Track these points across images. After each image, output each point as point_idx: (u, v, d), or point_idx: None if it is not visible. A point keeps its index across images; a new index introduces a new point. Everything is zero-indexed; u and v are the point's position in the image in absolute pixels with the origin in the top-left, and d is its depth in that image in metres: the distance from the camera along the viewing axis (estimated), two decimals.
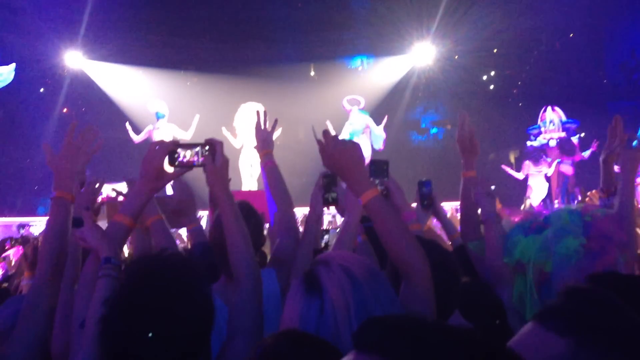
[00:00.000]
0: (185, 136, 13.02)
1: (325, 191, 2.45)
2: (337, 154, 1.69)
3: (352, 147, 1.71)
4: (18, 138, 15.29)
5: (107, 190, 2.89)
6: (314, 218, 2.48)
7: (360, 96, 14.33)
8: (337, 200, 2.45)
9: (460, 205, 2.71)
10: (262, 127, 2.69)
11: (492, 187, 2.59)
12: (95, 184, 2.43)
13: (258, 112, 2.69)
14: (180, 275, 1.39)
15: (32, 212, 12.45)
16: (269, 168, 2.58)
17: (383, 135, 13.72)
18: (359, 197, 1.67)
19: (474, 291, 2.26)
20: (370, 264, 1.39)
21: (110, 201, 2.85)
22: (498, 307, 2.18)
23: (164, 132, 12.97)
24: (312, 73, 17.45)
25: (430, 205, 3.22)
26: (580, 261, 1.84)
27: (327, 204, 2.47)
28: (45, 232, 2.10)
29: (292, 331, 1.21)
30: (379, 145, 13.74)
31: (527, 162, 13.06)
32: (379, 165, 2.47)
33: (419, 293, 1.58)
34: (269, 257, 2.75)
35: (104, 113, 15.65)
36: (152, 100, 13.71)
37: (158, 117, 13.13)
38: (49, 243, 2.02)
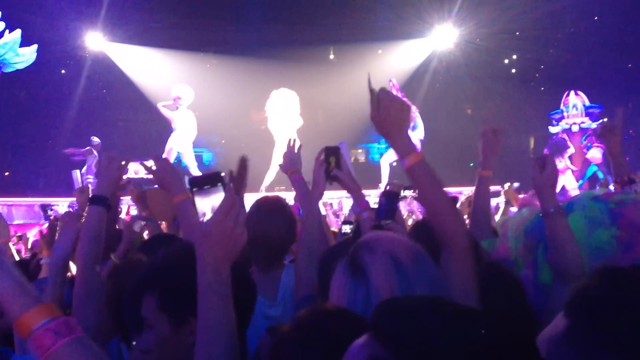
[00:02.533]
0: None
1: (330, 166, 2.38)
2: (389, 111, 1.63)
3: (405, 109, 1.66)
4: (40, 119, 15.50)
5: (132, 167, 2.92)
6: (317, 197, 2.42)
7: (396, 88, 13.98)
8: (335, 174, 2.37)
9: (474, 203, 2.66)
10: (291, 150, 2.80)
11: (516, 184, 2.52)
12: (121, 161, 2.37)
13: (290, 140, 2.82)
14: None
15: (54, 193, 12.62)
16: (298, 183, 2.70)
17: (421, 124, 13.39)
18: (404, 160, 1.62)
19: (490, 272, 2.20)
20: (415, 246, 1.37)
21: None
22: (514, 287, 2.11)
23: (182, 121, 12.97)
24: (332, 56, 17.37)
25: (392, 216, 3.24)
26: (612, 254, 1.80)
27: (332, 179, 2.40)
28: (83, 235, 2.16)
29: (328, 305, 1.26)
30: (421, 134, 13.37)
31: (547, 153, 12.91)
32: (331, 149, 2.44)
33: (460, 264, 1.56)
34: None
35: (124, 95, 15.79)
36: (176, 86, 13.67)
37: (179, 104, 13.17)
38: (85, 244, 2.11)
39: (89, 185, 9.39)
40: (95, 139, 13.59)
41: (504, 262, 2.31)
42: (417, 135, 12.97)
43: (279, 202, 2.60)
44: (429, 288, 1.28)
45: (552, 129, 13.53)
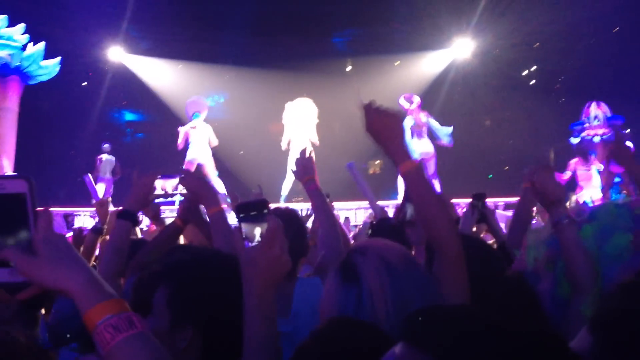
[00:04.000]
0: (215, 142, 13.00)
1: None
2: (380, 122, 1.72)
3: (395, 117, 1.74)
4: (62, 130, 15.77)
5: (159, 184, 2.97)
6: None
7: (415, 95, 13.86)
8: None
9: (516, 213, 2.70)
10: (303, 157, 2.83)
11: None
12: (149, 179, 2.45)
13: (303, 150, 2.88)
14: None
15: (76, 203, 12.80)
16: (312, 192, 2.72)
17: (449, 129, 13.19)
18: (398, 166, 1.68)
19: (509, 283, 2.22)
20: (405, 250, 1.41)
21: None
22: (532, 299, 2.11)
23: (200, 133, 13.03)
24: (349, 68, 17.43)
25: (483, 219, 3.27)
26: (630, 259, 1.79)
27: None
28: (107, 247, 2.24)
29: (344, 317, 1.27)
30: (448, 139, 13.10)
31: (574, 160, 12.76)
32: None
33: (451, 270, 1.58)
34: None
35: (144, 106, 16.02)
36: (190, 100, 13.70)
37: (194, 117, 13.20)
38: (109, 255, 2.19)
39: (109, 198, 9.51)
40: (106, 146, 13.81)
41: (523, 274, 2.33)
42: (426, 145, 12.85)
43: (288, 213, 2.59)
44: (420, 291, 1.31)
45: (573, 140, 13.41)
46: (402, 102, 13.35)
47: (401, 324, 0.82)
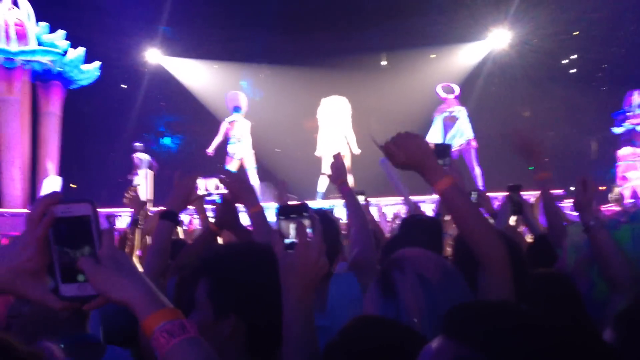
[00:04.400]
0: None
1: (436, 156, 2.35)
2: (403, 150, 1.70)
3: (416, 139, 1.72)
4: (102, 132, 16.18)
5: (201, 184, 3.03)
6: None
7: (454, 84, 13.68)
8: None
9: (544, 212, 2.67)
10: (338, 161, 2.93)
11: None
12: (191, 179, 2.51)
13: (337, 154, 2.99)
14: None
15: (117, 203, 13.11)
16: (346, 193, 2.81)
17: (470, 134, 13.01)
18: (434, 186, 1.66)
19: (549, 281, 2.22)
20: (444, 263, 1.44)
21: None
22: (574, 298, 2.11)
23: (240, 128, 13.18)
24: (384, 62, 17.33)
25: (519, 212, 3.25)
26: None
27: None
28: (150, 247, 2.31)
29: (373, 316, 1.30)
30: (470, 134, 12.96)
31: (625, 149, 12.42)
32: (442, 149, 2.40)
33: (498, 283, 1.58)
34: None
35: (182, 107, 16.28)
36: (230, 92, 13.92)
37: (235, 110, 13.38)
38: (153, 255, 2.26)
39: (138, 187, 9.71)
40: (139, 144, 14.09)
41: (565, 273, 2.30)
42: (462, 136, 12.70)
43: (322, 215, 2.65)
44: (456, 302, 1.31)
45: (616, 130, 13.07)
46: (440, 91, 13.20)
47: (443, 318, 0.83)
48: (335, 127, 13.21)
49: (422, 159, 1.69)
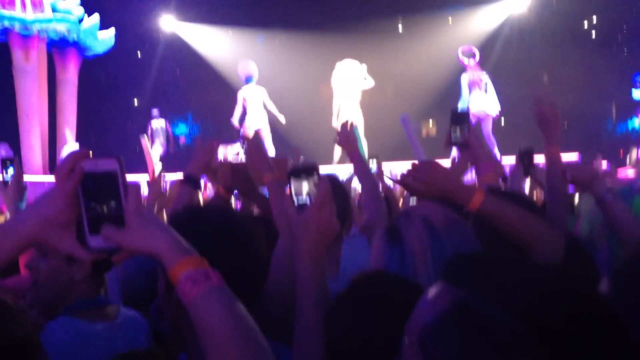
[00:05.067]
0: (271, 105, 13.11)
1: (452, 123, 2.22)
2: (422, 181, 1.66)
3: (432, 166, 1.68)
4: (118, 100, 16.26)
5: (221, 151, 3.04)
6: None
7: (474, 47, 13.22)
8: (464, 141, 2.24)
9: (546, 186, 2.54)
10: (345, 129, 2.96)
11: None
12: (212, 143, 2.56)
13: (345, 123, 3.02)
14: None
15: (133, 170, 13.25)
16: (356, 160, 2.83)
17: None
18: (468, 208, 1.61)
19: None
20: (451, 214, 1.48)
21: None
22: (588, 261, 2.12)
23: (255, 98, 13.13)
24: (400, 29, 17.09)
25: (530, 173, 3.28)
26: None
27: (463, 147, 2.30)
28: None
29: (381, 272, 1.36)
30: (495, 110, 12.34)
31: None
32: (459, 115, 2.26)
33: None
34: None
35: (197, 75, 16.26)
36: (241, 63, 13.82)
37: (248, 81, 13.32)
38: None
39: (163, 174, 9.77)
40: (155, 110, 14.20)
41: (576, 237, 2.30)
42: (489, 104, 12.38)
43: (330, 179, 2.63)
44: (462, 250, 1.35)
45: (636, 92, 12.84)
46: (461, 55, 12.88)
47: (443, 267, 0.87)
48: (350, 93, 13.10)
49: (444, 186, 1.65)
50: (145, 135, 12.64)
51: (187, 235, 1.05)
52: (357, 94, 13.11)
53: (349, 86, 13.12)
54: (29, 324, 1.28)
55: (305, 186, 1.40)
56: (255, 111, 12.92)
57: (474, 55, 12.66)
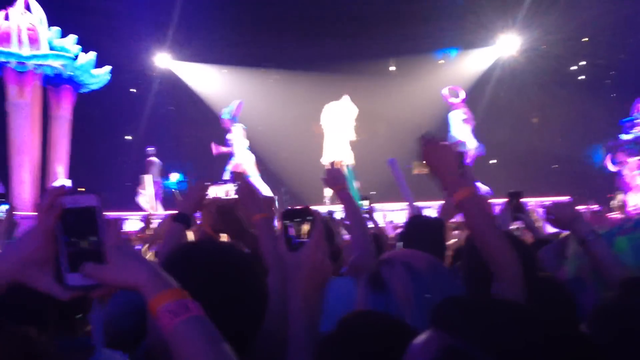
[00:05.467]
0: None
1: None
2: (436, 153, 1.76)
3: (447, 150, 1.77)
4: (112, 137, 16.32)
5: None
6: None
7: (459, 87, 13.57)
8: None
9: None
10: (333, 168, 2.92)
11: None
12: (203, 184, 2.59)
13: (332, 163, 2.92)
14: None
15: (125, 207, 13.20)
16: (345, 199, 2.77)
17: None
18: (452, 196, 1.70)
19: (545, 286, 2.22)
20: (431, 257, 1.50)
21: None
22: (568, 303, 2.09)
23: (240, 136, 13.21)
24: (393, 68, 17.38)
25: (519, 218, 3.34)
26: None
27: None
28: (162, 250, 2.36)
29: (369, 312, 1.36)
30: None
31: (624, 156, 12.40)
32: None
33: (511, 291, 1.61)
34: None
35: (191, 112, 16.40)
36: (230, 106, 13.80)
37: (236, 120, 13.39)
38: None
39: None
40: (151, 149, 14.19)
41: (565, 282, 2.33)
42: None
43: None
44: (445, 293, 1.32)
45: (624, 137, 13.04)
46: (446, 92, 13.20)
47: (430, 313, 0.87)
48: (340, 132, 13.20)
49: (449, 167, 1.73)
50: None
51: (190, 273, 1.04)
52: (347, 132, 13.20)
53: (339, 124, 13.23)
54: None
55: (299, 227, 1.41)
56: (242, 149, 13.00)
57: (458, 95, 13.07)
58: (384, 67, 17.33)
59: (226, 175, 12.57)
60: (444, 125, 13.28)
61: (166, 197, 13.99)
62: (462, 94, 13.25)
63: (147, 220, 6.66)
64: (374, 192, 10.01)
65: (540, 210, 6.31)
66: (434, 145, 1.77)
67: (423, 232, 2.87)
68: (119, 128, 16.54)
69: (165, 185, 14.64)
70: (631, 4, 13.83)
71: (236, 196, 2.42)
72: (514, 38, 15.37)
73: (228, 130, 13.14)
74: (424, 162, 1.78)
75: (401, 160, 5.13)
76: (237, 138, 13.08)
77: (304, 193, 14.31)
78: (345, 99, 13.49)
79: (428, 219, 3.32)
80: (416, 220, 3.19)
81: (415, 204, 4.66)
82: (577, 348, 0.77)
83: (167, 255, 1.43)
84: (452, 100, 13.10)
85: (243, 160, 12.98)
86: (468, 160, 12.13)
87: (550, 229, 3.44)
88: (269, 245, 2.09)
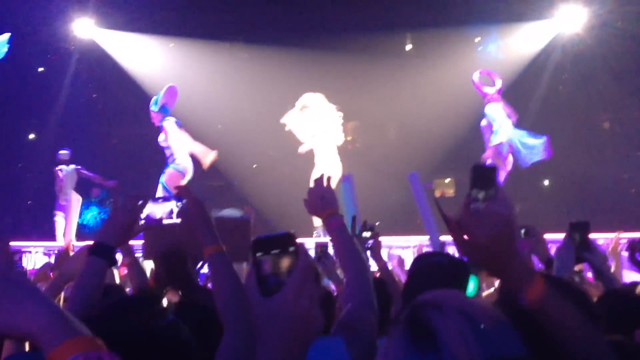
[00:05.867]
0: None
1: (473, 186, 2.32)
2: (479, 224, 1.65)
3: (505, 222, 1.66)
4: (8, 134, 16.14)
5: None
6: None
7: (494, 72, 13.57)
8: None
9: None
10: (320, 187, 2.87)
11: None
12: (135, 202, 2.56)
13: (318, 179, 2.92)
14: None
15: (25, 235, 13.04)
16: (335, 229, 2.76)
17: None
18: (522, 294, 1.62)
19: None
20: (490, 306, 1.43)
21: None
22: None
23: (169, 134, 13.05)
24: (409, 47, 17.46)
25: (584, 258, 3.30)
26: None
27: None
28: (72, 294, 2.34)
29: None
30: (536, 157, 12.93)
31: None
32: (483, 173, 2.09)
33: None
34: None
35: (121, 99, 16.30)
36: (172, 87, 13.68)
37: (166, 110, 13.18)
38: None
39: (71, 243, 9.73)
40: (64, 152, 13.93)
41: None
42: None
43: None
44: (514, 353, 1.32)
45: None
46: (477, 78, 13.15)
47: None
48: (323, 138, 13.11)
49: (506, 252, 1.65)
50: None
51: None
52: (333, 136, 13.09)
53: (320, 129, 13.11)
54: None
55: (276, 262, 1.35)
56: (182, 149, 12.85)
57: (493, 83, 12.99)
58: (398, 46, 17.41)
59: (159, 191, 12.41)
60: (476, 126, 13.28)
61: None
62: (499, 83, 13.19)
63: (61, 255, 6.53)
64: (379, 222, 10.00)
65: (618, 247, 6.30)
66: (488, 216, 1.66)
67: (433, 281, 2.76)
68: (19, 123, 16.41)
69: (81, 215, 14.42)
70: None
71: (179, 220, 2.41)
72: (579, 9, 15.48)
73: (159, 129, 12.96)
74: (466, 237, 1.65)
75: (420, 176, 5.10)
76: (172, 138, 12.93)
77: (284, 221, 14.21)
78: (318, 96, 13.43)
79: (443, 259, 3.18)
80: (425, 260, 3.10)
81: (437, 235, 4.64)
82: None
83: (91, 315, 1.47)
84: (486, 90, 13.02)
85: (185, 167, 12.83)
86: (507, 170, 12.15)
87: (630, 276, 3.39)
88: (225, 292, 2.14)
